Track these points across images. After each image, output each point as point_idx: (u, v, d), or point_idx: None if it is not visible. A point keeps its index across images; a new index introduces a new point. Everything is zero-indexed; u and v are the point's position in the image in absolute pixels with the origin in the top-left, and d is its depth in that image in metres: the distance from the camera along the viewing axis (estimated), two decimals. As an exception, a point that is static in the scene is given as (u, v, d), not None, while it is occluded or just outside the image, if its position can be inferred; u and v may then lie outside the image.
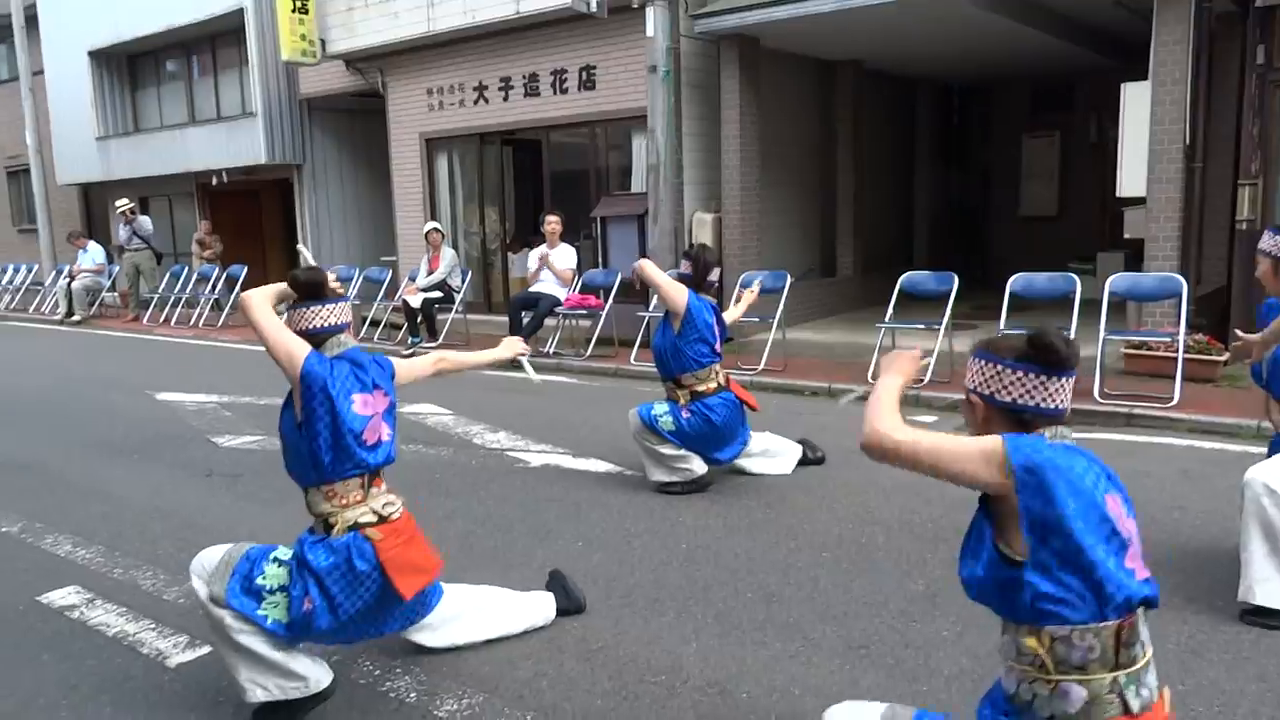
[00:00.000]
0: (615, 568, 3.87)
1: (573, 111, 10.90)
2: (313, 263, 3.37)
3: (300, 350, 2.81)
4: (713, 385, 4.83)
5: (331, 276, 3.10)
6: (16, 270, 18.21)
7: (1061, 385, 1.87)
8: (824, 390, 7.36)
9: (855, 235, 12.01)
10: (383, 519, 2.84)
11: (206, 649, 3.26)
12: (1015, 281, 7.42)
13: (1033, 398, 1.87)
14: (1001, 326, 7.12)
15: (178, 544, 4.35)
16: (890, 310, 7.78)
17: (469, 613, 3.16)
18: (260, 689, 2.73)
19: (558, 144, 11.63)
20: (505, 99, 11.50)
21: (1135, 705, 1.76)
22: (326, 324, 2.92)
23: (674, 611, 3.43)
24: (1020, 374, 1.88)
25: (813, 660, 3.02)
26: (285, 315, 2.95)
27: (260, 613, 2.68)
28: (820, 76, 11.66)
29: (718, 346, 4.92)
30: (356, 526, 2.78)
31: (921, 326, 7.58)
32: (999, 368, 1.90)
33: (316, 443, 2.75)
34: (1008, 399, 1.89)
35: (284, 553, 2.82)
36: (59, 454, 6.17)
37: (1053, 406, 1.87)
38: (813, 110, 11.63)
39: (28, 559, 4.24)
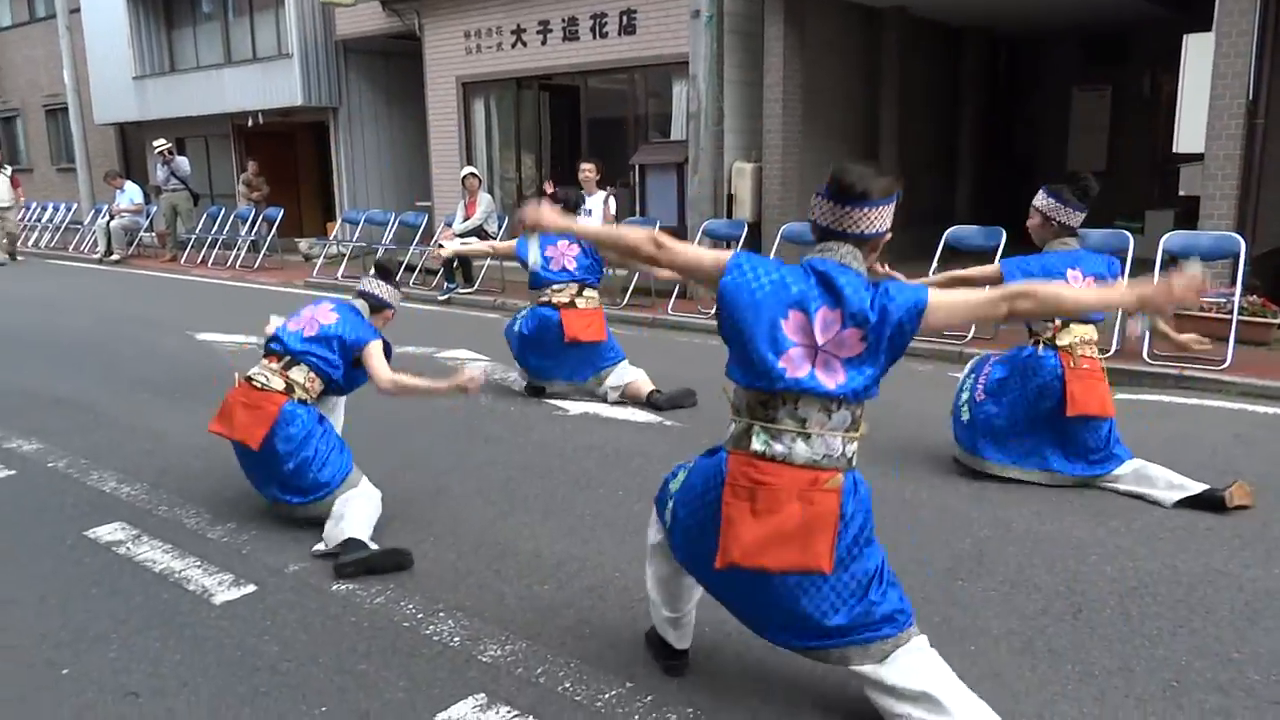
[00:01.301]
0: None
1: (612, 56, 10.73)
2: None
3: None
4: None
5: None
6: (56, 209, 18.36)
7: (848, 213, 2.29)
8: (864, 345, 7.26)
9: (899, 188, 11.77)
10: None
11: (251, 587, 3.29)
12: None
13: (825, 220, 2.33)
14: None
15: (219, 482, 4.38)
16: (934, 265, 7.63)
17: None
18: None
19: (596, 90, 11.47)
20: (543, 43, 11.33)
21: (757, 446, 2.29)
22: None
23: (717, 563, 3.40)
24: (820, 200, 2.34)
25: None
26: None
27: None
28: (865, 24, 11.36)
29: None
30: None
31: (966, 282, 7.43)
32: (815, 197, 2.37)
33: None
34: (813, 218, 2.38)
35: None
36: (103, 392, 6.23)
37: (842, 229, 2.31)
38: (856, 59, 11.35)
39: (75, 494, 4.29)
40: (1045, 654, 2.78)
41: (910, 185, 10.56)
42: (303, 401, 3.74)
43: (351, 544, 3.41)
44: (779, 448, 2.28)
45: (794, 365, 2.24)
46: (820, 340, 2.24)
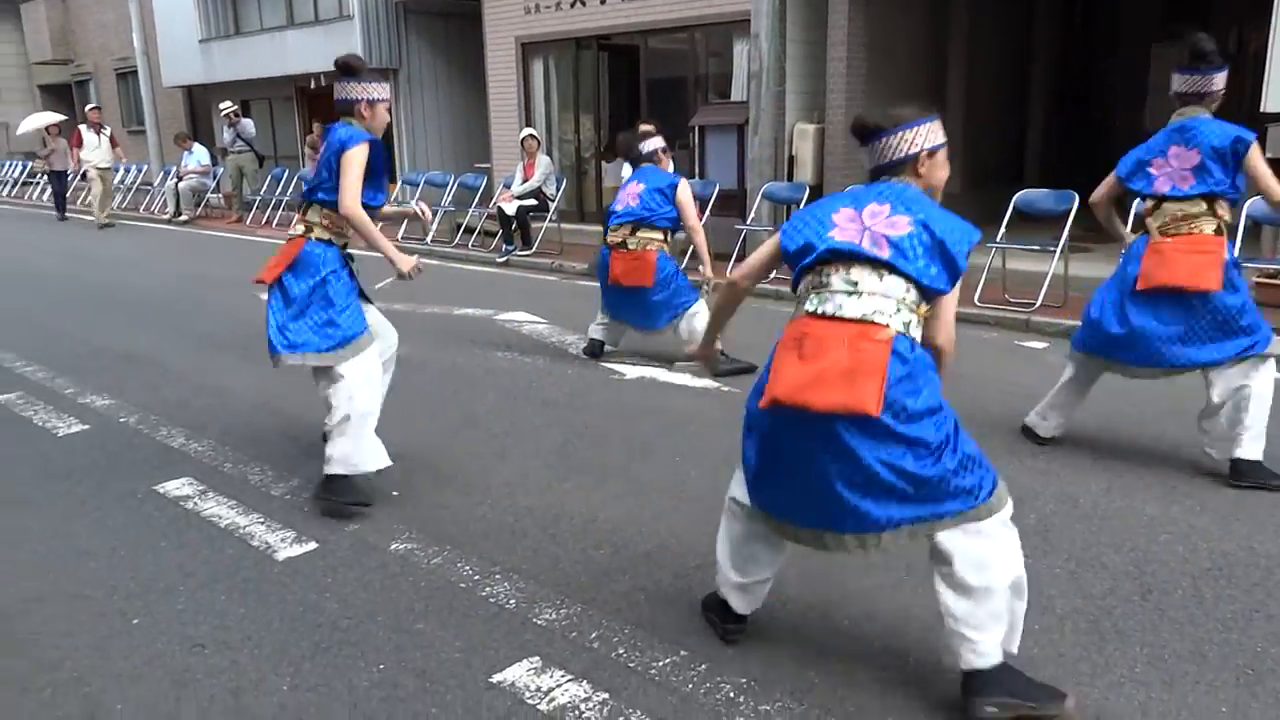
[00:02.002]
0: (713, 484, 3.81)
1: (672, 15, 10.55)
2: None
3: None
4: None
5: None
6: (127, 170, 18.76)
7: (875, 148, 2.47)
8: (926, 311, 7.11)
9: (963, 148, 11.45)
10: None
11: (312, 545, 3.35)
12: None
13: (868, 164, 2.51)
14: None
15: (283, 440, 4.46)
16: (1002, 230, 7.43)
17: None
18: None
19: (655, 50, 11.32)
20: (603, 2, 11.19)
21: (809, 307, 2.38)
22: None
23: (773, 532, 3.37)
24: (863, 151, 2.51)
25: (918, 590, 2.93)
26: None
27: None
28: (935, -21, 11.01)
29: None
30: None
31: (1036, 248, 7.23)
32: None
33: None
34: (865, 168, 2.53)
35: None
36: (171, 349, 6.37)
37: (882, 163, 2.47)
38: (923, 16, 11.01)
39: (146, 449, 4.40)
40: (1113, 635, 2.70)
41: (977, 146, 10.29)
42: (323, 240, 3.77)
43: (334, 482, 3.57)
44: (829, 306, 2.34)
45: (841, 232, 2.37)
46: (868, 223, 2.36)
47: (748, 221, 9.10)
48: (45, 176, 17.24)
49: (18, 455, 4.38)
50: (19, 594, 3.04)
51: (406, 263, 3.80)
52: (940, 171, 2.48)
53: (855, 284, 2.33)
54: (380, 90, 3.77)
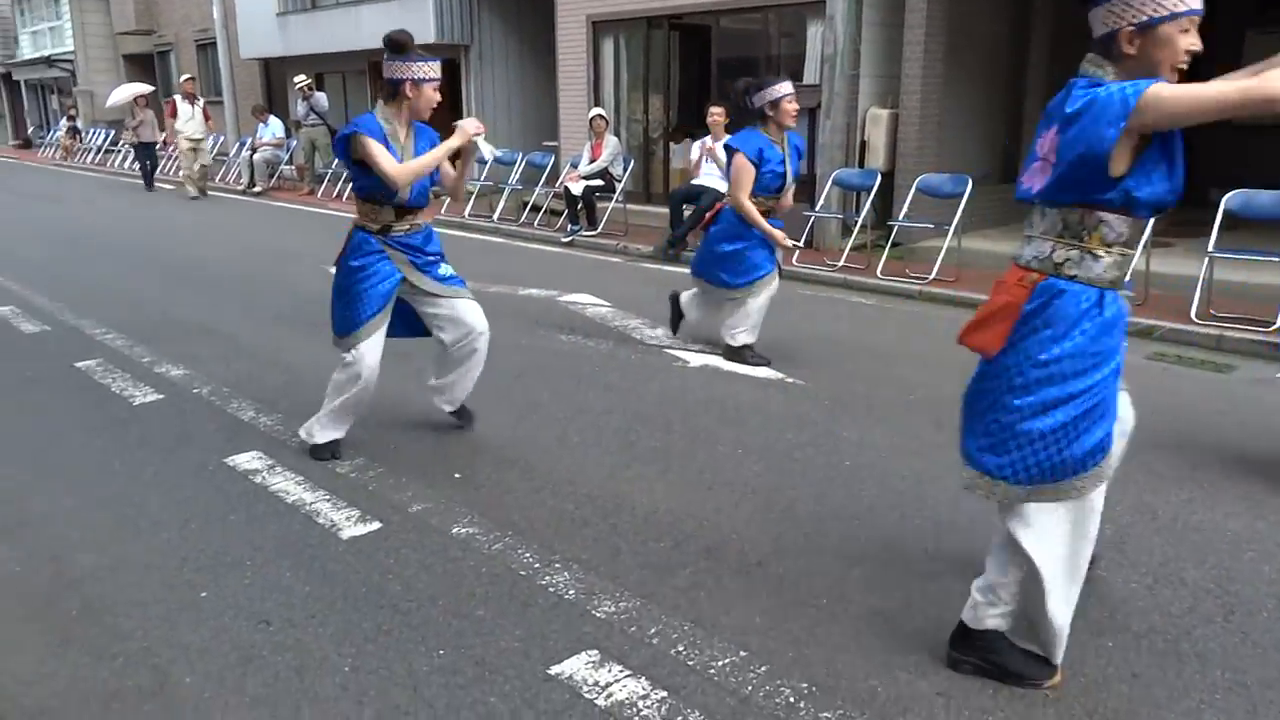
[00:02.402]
0: (776, 479, 3.78)
1: (746, -5, 10.40)
2: (487, 154, 3.92)
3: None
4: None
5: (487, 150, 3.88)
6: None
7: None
8: (999, 306, 6.92)
9: (1042, 138, 11.14)
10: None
11: (376, 524, 3.38)
12: (1232, 199, 6.70)
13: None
14: (1211, 247, 6.48)
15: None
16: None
17: None
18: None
19: (727, 30, 11.18)
20: (676, -20, 11.07)
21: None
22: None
23: (837, 534, 3.32)
24: None
25: (986, 598, 2.86)
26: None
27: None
28: (1020, -41, 10.67)
29: None
30: None
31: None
32: None
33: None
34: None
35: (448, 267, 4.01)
36: (244, 322, 6.50)
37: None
38: (1005, 0, 10.69)
39: (218, 421, 4.50)
40: (1191, 658, 2.60)
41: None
42: (360, 228, 3.88)
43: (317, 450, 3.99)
44: (1019, 256, 2.38)
45: (1028, 176, 2.32)
46: (1041, 150, 2.27)
47: (816, 208, 8.96)
48: (132, 147, 17.37)
49: (96, 423, 4.51)
50: (95, 562, 3.13)
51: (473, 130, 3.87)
52: (1160, 51, 2.15)
53: (1030, 227, 2.34)
54: (428, 69, 3.72)
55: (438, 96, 3.80)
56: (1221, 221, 6.66)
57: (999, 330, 2.30)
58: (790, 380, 5.09)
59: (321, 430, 4.01)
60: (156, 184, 16.81)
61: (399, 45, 3.67)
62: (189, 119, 14.90)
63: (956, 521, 3.40)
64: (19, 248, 10.05)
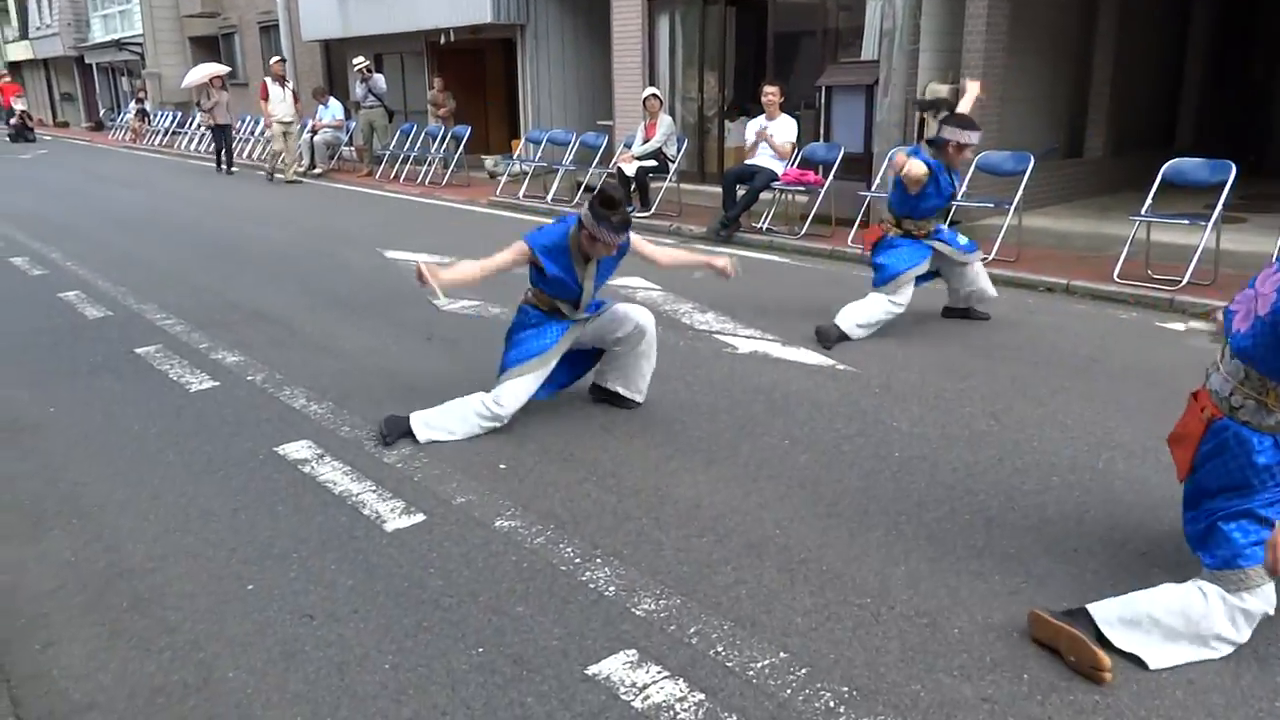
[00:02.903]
0: (822, 471, 3.71)
1: (803, -31, 10.18)
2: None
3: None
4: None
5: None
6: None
7: None
8: (1060, 287, 6.74)
9: (1110, 111, 10.76)
10: None
11: (420, 517, 3.40)
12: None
13: None
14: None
15: (398, 406, 4.51)
16: (1149, 200, 6.93)
17: None
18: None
19: (784, 4, 10.97)
20: (732, -45, 10.88)
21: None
22: None
23: (883, 528, 3.25)
24: None
25: (1035, 600, 2.77)
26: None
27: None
28: (1089, -74, 10.28)
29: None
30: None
31: (1185, 221, 6.72)
32: None
33: None
34: None
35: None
36: (299, 307, 6.59)
37: None
38: (1074, -34, 10.31)
39: (269, 409, 4.57)
40: (1251, 662, 2.49)
41: (1124, 108, 9.61)
42: (527, 301, 4.23)
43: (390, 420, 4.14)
44: (1209, 376, 2.59)
45: (1239, 307, 2.48)
46: (1261, 286, 2.41)
47: (872, 188, 8.78)
48: (208, 129, 17.37)
49: (154, 410, 4.61)
50: (147, 552, 3.20)
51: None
52: None
53: (1219, 359, 2.55)
54: (608, 236, 3.98)
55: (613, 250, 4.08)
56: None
57: (1183, 457, 2.61)
58: (841, 367, 5.00)
59: (429, 431, 4.09)
60: (239, 167, 16.90)
61: (610, 203, 3.90)
62: (280, 101, 14.75)
63: (1006, 518, 3.30)
64: (89, 230, 10.33)
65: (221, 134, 16.48)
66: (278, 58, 15.75)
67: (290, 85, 15.09)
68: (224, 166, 16.66)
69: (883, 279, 5.47)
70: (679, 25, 12.23)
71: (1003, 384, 4.69)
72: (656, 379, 4.87)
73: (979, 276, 5.75)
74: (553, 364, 4.15)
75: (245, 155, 18.65)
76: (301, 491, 3.65)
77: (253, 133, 19.43)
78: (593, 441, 4.08)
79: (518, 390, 4.08)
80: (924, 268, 5.52)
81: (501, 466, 3.83)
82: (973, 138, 5.23)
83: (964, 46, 9.12)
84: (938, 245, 5.53)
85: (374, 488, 3.66)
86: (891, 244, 5.50)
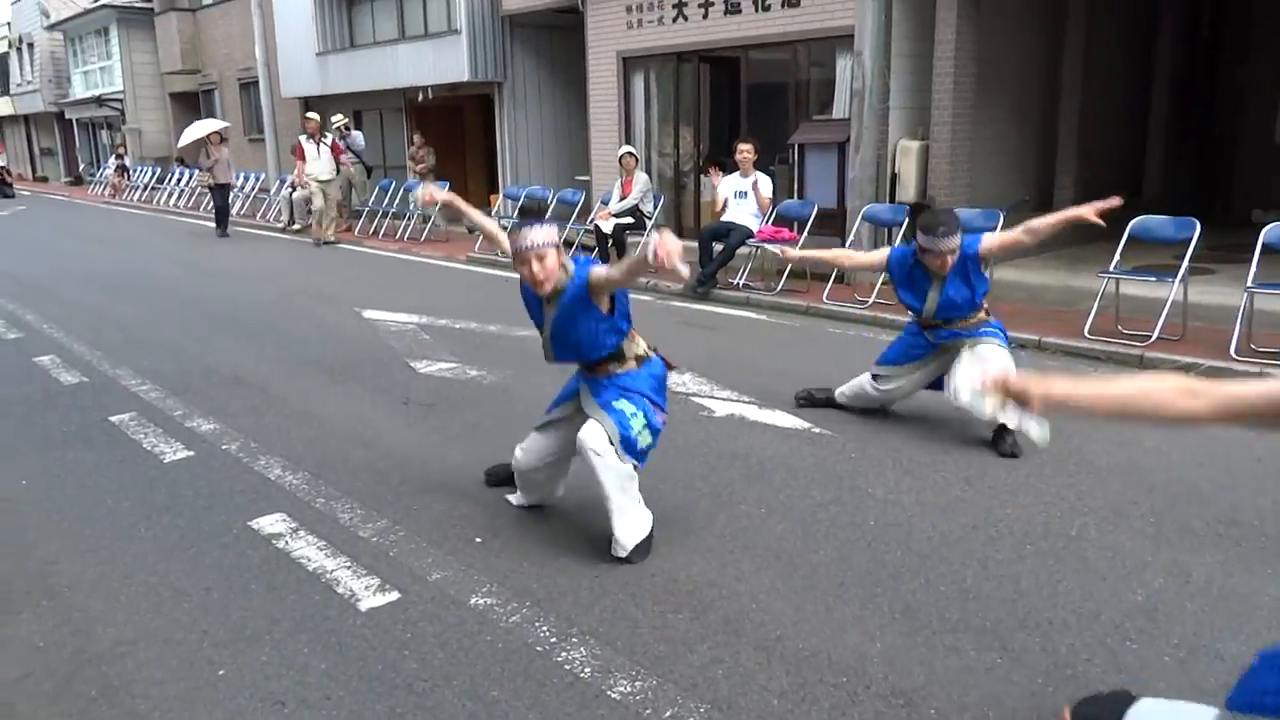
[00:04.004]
0: (799, 542, 3.72)
1: (775, 30, 10.42)
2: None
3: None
4: None
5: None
6: (247, 178, 19.57)
7: None
8: (1033, 343, 6.81)
9: (1078, 163, 11.00)
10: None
11: (395, 595, 3.38)
12: (1270, 232, 6.52)
13: None
14: (1250, 280, 6.31)
15: (375, 476, 4.54)
16: (1116, 257, 7.05)
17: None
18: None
19: (757, 62, 11.20)
20: (705, 16, 11.13)
21: None
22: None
23: (859, 601, 3.26)
24: None
25: (1011, 678, 2.78)
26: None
27: (642, 448, 3.61)
28: (1051, -17, 10.58)
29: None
30: (653, 350, 3.81)
31: (1153, 279, 6.84)
32: None
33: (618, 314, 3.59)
34: None
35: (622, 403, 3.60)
36: (275, 370, 6.58)
37: None
38: (1036, 23, 10.60)
39: (244, 480, 4.54)
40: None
41: (1092, 161, 9.81)
42: None
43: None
44: None
45: None
46: None
47: (847, 244, 8.90)
48: (207, 189, 16.46)
49: (127, 482, 4.57)
50: (118, 635, 3.16)
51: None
52: None
53: None
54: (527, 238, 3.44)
55: (538, 274, 3.46)
56: (1260, 253, 6.49)
57: None
58: (818, 431, 5.03)
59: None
60: (231, 227, 16.12)
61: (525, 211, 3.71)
62: (316, 159, 14.07)
63: (981, 589, 3.32)
64: (66, 290, 10.28)
65: (222, 193, 15.87)
66: (312, 114, 14.80)
67: (327, 140, 14.30)
68: (223, 228, 15.88)
69: (877, 359, 5.26)
70: (653, 82, 12.44)
71: (976, 447, 4.73)
72: (633, 444, 4.87)
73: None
74: (549, 418, 3.92)
75: (233, 213, 18.67)
76: (275, 569, 3.62)
77: (242, 189, 19.50)
78: (568, 513, 4.07)
79: (525, 441, 3.93)
80: (919, 367, 5.05)
81: (478, 540, 3.82)
82: (940, 244, 4.61)
83: (932, 104, 9.34)
84: (948, 344, 4.93)
85: (349, 564, 3.64)
86: (906, 328, 5.22)
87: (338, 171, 14.44)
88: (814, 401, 5.41)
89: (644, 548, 3.62)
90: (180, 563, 3.70)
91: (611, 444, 3.53)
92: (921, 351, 5.04)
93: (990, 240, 4.79)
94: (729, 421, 5.27)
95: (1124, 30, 11.65)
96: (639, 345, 3.74)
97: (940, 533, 3.76)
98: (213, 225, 16.15)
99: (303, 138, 14.24)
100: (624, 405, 3.59)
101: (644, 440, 3.62)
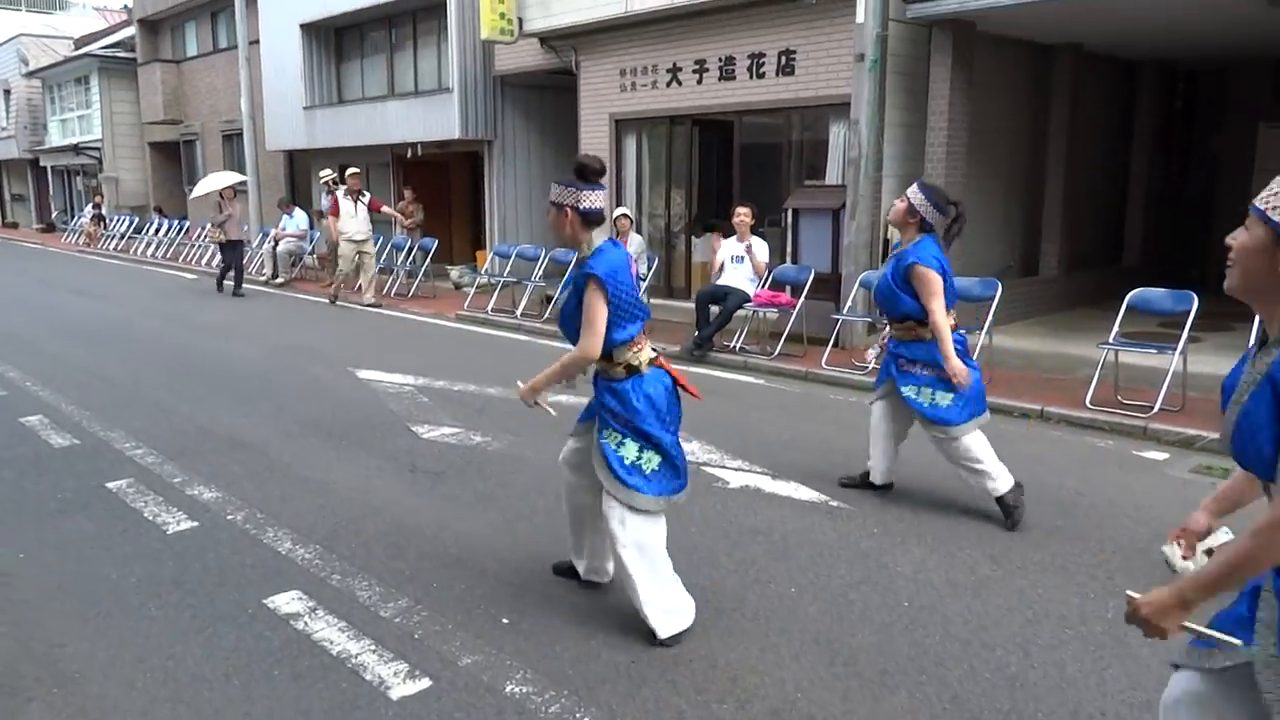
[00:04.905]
0: (835, 624, 3.66)
1: (769, 97, 10.58)
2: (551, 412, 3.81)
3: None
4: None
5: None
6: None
7: None
8: (1035, 413, 6.84)
9: (1064, 231, 11.21)
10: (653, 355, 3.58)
11: (426, 682, 3.27)
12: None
13: None
14: (1254, 343, 6.37)
15: (389, 550, 4.43)
16: (1115, 328, 7.13)
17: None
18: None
19: (750, 127, 11.34)
20: (699, 82, 11.29)
21: None
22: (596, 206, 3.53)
23: (906, 690, 3.19)
24: None
25: (1071, 774, 2.73)
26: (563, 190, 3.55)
27: (649, 471, 3.48)
28: (1035, 61, 10.87)
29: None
30: (652, 364, 3.54)
31: (1154, 350, 6.90)
32: None
33: (613, 316, 3.41)
34: None
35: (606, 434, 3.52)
36: (275, 434, 6.45)
37: None
38: (1024, 97, 10.86)
39: (254, 554, 4.41)
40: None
41: (1076, 227, 10.01)
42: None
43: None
44: None
45: None
46: None
47: (843, 310, 8.96)
48: (217, 245, 15.37)
49: (130, 555, 4.43)
50: (138, 727, 3.02)
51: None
52: None
53: None
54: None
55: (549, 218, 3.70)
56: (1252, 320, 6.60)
57: None
58: (835, 504, 4.99)
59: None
60: (210, 281, 15.28)
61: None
62: (351, 217, 13.02)
63: (1027, 677, 3.27)
64: (47, 344, 10.09)
65: (233, 251, 14.62)
66: (354, 169, 13.59)
67: (366, 199, 13.22)
68: (227, 285, 14.69)
69: None
70: (645, 143, 12.57)
71: (995, 522, 4.71)
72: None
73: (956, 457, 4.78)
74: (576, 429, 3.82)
75: (212, 265, 18.51)
76: (297, 653, 3.50)
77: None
78: (594, 590, 3.98)
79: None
80: (890, 388, 4.97)
81: (505, 621, 3.72)
82: (917, 199, 4.73)
83: (924, 174, 9.48)
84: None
85: (373, 647, 3.52)
86: None
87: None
88: (858, 484, 5.21)
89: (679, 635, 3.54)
90: (196, 645, 3.56)
91: (613, 498, 3.48)
92: (885, 371, 5.03)
93: (919, 280, 4.65)
94: (744, 493, 5.21)
95: (1105, 103, 11.97)
96: (637, 355, 3.50)
97: (976, 615, 3.71)
98: (208, 281, 15.61)
99: (339, 192, 13.27)
100: (608, 437, 3.52)
101: (649, 463, 3.50)
